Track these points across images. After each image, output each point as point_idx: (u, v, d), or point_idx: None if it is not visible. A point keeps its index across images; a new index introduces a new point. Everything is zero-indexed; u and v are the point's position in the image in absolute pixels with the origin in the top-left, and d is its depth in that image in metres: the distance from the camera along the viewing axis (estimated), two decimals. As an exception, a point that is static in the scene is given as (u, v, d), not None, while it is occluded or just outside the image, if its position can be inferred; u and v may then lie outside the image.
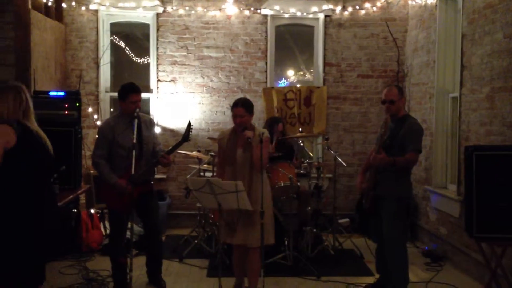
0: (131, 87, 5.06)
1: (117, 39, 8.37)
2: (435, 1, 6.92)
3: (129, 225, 5.07)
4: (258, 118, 7.80)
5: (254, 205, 4.50)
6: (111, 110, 8.17)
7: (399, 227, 4.90)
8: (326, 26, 8.17)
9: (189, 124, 5.12)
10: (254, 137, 4.62)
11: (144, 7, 7.97)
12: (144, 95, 7.20)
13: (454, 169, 6.39)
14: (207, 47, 8.12)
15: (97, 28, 8.00)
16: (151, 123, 5.33)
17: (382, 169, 4.87)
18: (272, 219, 4.91)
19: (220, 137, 5.00)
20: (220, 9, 8.06)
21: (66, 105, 6.12)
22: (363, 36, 8.19)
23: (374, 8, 8.13)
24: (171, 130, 8.09)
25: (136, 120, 4.85)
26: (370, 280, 5.56)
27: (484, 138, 5.51)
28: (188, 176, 6.24)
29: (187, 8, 8.02)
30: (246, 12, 8.09)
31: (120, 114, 5.12)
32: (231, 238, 4.77)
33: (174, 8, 8.02)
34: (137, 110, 4.93)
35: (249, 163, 4.70)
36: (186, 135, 5.06)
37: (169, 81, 8.10)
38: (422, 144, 4.94)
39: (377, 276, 5.39)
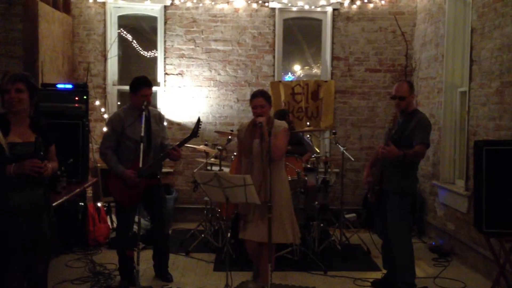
0: (143, 80, 5.06)
1: (125, 32, 8.35)
2: (444, -6, 6.87)
3: (136, 219, 5.07)
4: (265, 112, 7.76)
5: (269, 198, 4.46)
6: (118, 103, 8.17)
7: (403, 222, 4.88)
8: (334, 20, 8.13)
9: (199, 119, 5.11)
10: (267, 126, 4.55)
11: (152, 0, 7.94)
12: (151, 88, 7.20)
13: (462, 164, 6.36)
14: (215, 40, 8.10)
15: (104, 20, 7.98)
16: (160, 118, 5.31)
17: (389, 163, 4.85)
18: (292, 216, 4.75)
19: (238, 129, 4.98)
20: (228, 2, 8.03)
21: (74, 98, 6.10)
22: (371, 30, 8.14)
23: (383, 2, 8.08)
24: (178, 124, 8.08)
25: (144, 113, 4.84)
26: (377, 275, 5.54)
27: (493, 133, 5.47)
28: (195, 170, 6.23)
29: (195, 1, 7.99)
30: (254, 5, 8.06)
31: (130, 107, 5.12)
32: (244, 232, 4.70)
33: (182, 0, 7.98)
34: (145, 103, 4.91)
35: (266, 155, 4.53)
36: (195, 131, 5.04)
37: (177, 74, 8.08)
38: (430, 139, 4.92)
39: (384, 271, 5.38)
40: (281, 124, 4.75)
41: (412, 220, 5.12)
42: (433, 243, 6.67)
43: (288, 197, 4.77)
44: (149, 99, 5.02)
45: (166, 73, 8.08)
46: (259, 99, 4.71)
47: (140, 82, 5.04)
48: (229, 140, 6.73)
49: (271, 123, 4.68)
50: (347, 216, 7.23)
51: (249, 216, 4.65)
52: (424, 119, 4.91)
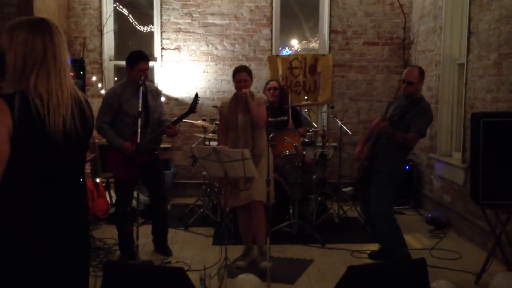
0: (141, 55, 5.03)
1: (120, 7, 8.25)
2: (443, -34, 6.79)
3: (135, 194, 5.10)
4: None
5: (256, 161, 4.64)
6: (115, 78, 8.13)
7: (385, 201, 4.92)
8: (332, -7, 8.05)
9: (196, 95, 5.09)
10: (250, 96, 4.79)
11: (147, -26, 7.85)
12: (148, 63, 7.15)
13: (459, 137, 6.37)
14: (212, 14, 8.02)
15: (100, -6, 7.91)
16: (157, 93, 5.31)
17: (384, 142, 4.87)
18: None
19: (221, 106, 5.12)
20: (224, -25, 7.94)
21: (71, 74, 6.06)
22: (369, 2, 8.07)
23: (381, -26, 7.99)
24: (176, 99, 8.05)
25: (141, 88, 4.82)
26: (374, 247, 5.58)
27: (491, 105, 5.47)
28: (194, 145, 6.25)
29: (190, -26, 7.90)
30: (251, -22, 7.97)
31: (127, 82, 5.09)
32: (236, 200, 4.83)
33: (178, -26, 7.90)
34: (143, 78, 4.89)
35: (250, 126, 4.82)
36: (193, 107, 5.02)
37: (173, 49, 8.03)
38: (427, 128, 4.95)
39: (381, 243, 5.44)
40: (261, 96, 4.99)
41: (394, 199, 5.13)
42: (430, 216, 6.73)
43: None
44: (146, 74, 5.00)
45: (163, 48, 8.02)
46: (243, 73, 4.88)
47: (138, 57, 5.02)
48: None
49: (252, 96, 4.85)
50: (344, 189, 7.27)
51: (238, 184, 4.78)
52: (427, 109, 4.90)
